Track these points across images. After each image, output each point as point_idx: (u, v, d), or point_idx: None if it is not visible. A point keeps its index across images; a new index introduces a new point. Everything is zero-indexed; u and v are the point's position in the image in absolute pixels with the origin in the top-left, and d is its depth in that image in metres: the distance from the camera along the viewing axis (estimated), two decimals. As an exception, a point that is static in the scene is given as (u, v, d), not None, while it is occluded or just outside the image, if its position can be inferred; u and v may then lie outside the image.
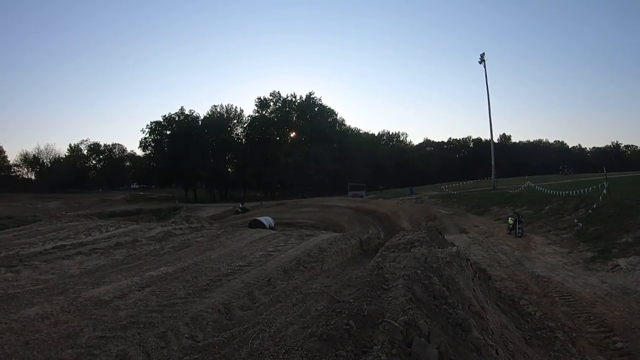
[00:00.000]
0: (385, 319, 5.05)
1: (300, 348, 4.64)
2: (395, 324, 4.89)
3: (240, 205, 58.38)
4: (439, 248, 9.65)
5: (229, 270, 9.26)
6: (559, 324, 10.84)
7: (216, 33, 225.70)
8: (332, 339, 4.71)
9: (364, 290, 6.02)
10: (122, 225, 17.29)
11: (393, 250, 10.02)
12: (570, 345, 9.48)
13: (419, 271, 6.81)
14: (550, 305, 12.46)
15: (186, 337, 5.82)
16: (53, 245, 12.39)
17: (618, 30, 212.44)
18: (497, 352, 5.81)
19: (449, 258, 8.07)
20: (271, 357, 4.87)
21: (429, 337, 4.86)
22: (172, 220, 20.08)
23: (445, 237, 13.79)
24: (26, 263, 10.35)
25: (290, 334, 5.33)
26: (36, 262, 10.46)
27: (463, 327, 5.71)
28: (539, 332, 9.68)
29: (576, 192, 29.19)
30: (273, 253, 11.14)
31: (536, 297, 13.37)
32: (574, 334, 10.27)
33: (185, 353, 5.38)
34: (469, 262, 9.06)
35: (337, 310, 5.34)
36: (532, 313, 11.15)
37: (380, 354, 4.37)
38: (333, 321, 5.03)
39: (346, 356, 4.49)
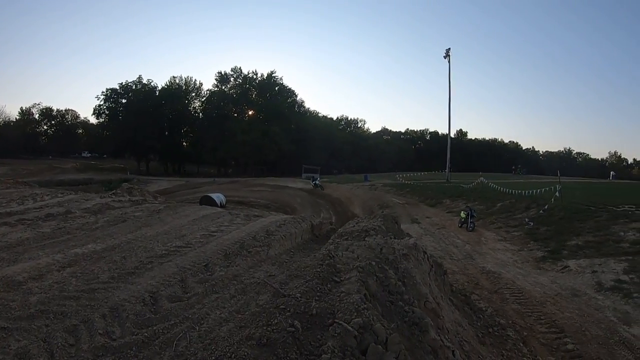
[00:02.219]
0: (337, 320, 4.39)
1: (233, 355, 3.91)
2: (349, 327, 4.23)
3: (313, 181, 53.28)
4: (395, 238, 9.13)
5: (164, 252, 8.28)
6: (510, 321, 10.70)
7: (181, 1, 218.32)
8: (273, 344, 4.00)
9: (312, 282, 5.35)
10: (59, 195, 15.98)
11: (346, 237, 9.43)
12: (521, 345, 9.33)
13: (373, 263, 6.28)
14: (501, 302, 12.31)
15: (100, 334, 4.91)
16: (-21, 215, 11.18)
17: (577, 38, 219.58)
18: (453, 354, 5.36)
19: (405, 250, 7.59)
20: (198, 365, 4.08)
21: (386, 344, 4.24)
22: (113, 192, 18.72)
23: (399, 226, 13.34)
24: (-54, 234, 9.21)
25: (223, 334, 4.54)
26: (-43, 233, 9.33)
27: (420, 327, 5.23)
28: (490, 330, 9.46)
29: (528, 192, 29.54)
30: (215, 233, 10.20)
31: (487, 292, 13.21)
32: (525, 333, 10.14)
33: (95, 354, 4.51)
34: (425, 255, 8.62)
35: (281, 307, 4.64)
36: (484, 309, 10.92)
37: (331, 364, 3.70)
38: (275, 321, 4.32)
39: (289, 367, 3.79)
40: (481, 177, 42.21)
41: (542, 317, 11.17)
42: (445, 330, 6.22)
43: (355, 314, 4.48)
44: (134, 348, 4.61)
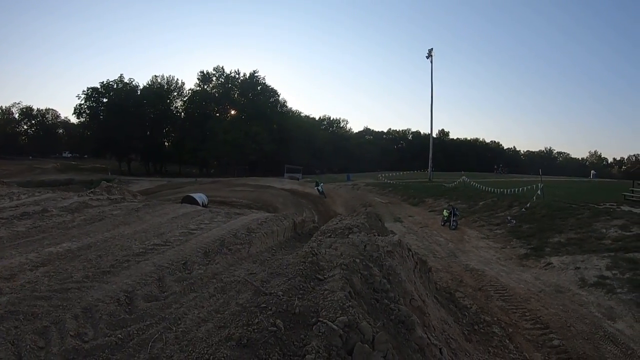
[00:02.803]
0: (321, 319, 4.20)
1: (211, 356, 3.69)
2: (334, 325, 4.04)
3: (316, 186, 46.10)
4: (378, 236, 8.96)
5: (141, 250, 7.91)
6: (495, 318, 10.72)
7: None
8: (254, 345, 3.79)
9: (295, 280, 5.15)
10: (37, 194, 15.52)
11: (329, 235, 9.24)
12: (507, 341, 9.37)
13: (357, 260, 6.11)
14: (486, 299, 12.30)
15: (71, 335, 4.60)
16: (-47, 215, 10.78)
17: (558, 39, 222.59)
18: (440, 352, 5.25)
19: (390, 247, 7.42)
20: (173, 367, 3.82)
21: (373, 343, 4.06)
22: (91, 190, 18.20)
23: (382, 225, 13.17)
24: None
25: (201, 335, 4.30)
26: None
27: (406, 325, 5.07)
28: (476, 327, 9.49)
29: (510, 191, 29.72)
30: (195, 231, 9.83)
31: (471, 290, 13.20)
32: (510, 330, 10.16)
33: (65, 357, 4.22)
34: (410, 253, 8.48)
35: (262, 305, 4.41)
36: (469, 306, 10.95)
37: (316, 365, 3.49)
38: (256, 320, 4.10)
39: (271, 369, 3.57)
40: (463, 176, 42.38)
41: (527, 314, 11.18)
42: (431, 328, 6.10)
43: (340, 312, 4.30)
44: (106, 350, 4.34)
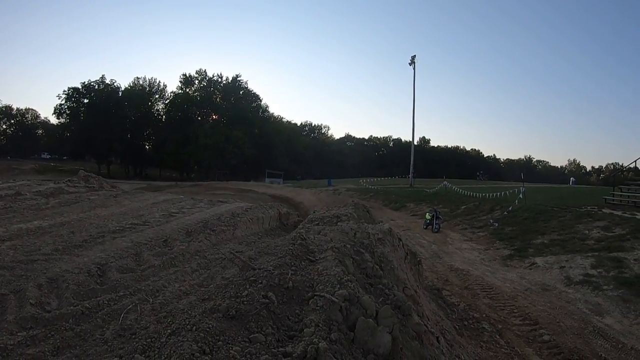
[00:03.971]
0: (318, 293, 3.79)
1: (194, 328, 3.17)
2: (333, 298, 3.63)
3: None
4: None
5: (117, 228, 7.33)
6: (484, 315, 10.47)
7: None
8: (244, 317, 3.34)
9: (285, 259, 4.75)
10: (11, 181, 14.94)
11: (317, 223, 8.87)
12: (498, 337, 9.09)
13: (348, 245, 5.78)
14: (473, 297, 12.06)
15: (31, 304, 4.13)
16: None
17: (539, 48, 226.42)
18: (438, 341, 4.93)
19: (380, 235, 7.15)
20: (147, 339, 3.30)
21: (376, 318, 3.66)
22: (68, 178, 17.38)
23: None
24: None
25: (183, 307, 3.84)
26: None
27: (403, 311, 4.67)
28: (466, 323, 9.32)
29: (492, 195, 29.72)
30: (176, 214, 9.27)
31: (458, 288, 12.94)
32: (500, 326, 9.91)
33: (22, 327, 3.75)
34: (401, 242, 8.18)
35: (252, 279, 3.97)
36: (457, 304, 10.72)
37: (316, 340, 3.05)
38: (246, 292, 3.66)
39: (265, 342, 3.10)
40: (445, 182, 42.38)
41: (515, 311, 10.96)
42: (425, 318, 5.77)
43: (339, 286, 3.91)
44: (70, 320, 3.88)
